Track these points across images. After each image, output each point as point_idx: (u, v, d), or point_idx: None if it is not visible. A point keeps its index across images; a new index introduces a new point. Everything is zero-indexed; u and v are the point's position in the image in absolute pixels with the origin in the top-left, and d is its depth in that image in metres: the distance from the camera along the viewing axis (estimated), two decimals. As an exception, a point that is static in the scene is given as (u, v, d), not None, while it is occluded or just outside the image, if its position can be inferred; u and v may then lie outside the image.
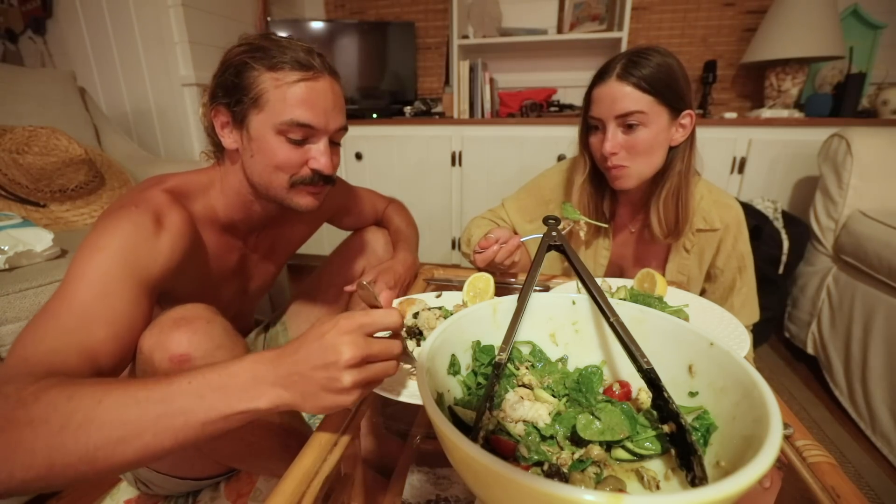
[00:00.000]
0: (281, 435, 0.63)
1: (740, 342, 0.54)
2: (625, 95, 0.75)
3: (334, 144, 0.69)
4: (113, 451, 0.37)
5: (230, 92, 0.63)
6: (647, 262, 0.95)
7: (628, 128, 0.77)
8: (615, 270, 1.00)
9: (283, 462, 0.64)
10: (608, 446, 0.37)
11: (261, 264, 0.85)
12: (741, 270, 0.89)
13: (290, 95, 0.62)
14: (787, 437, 0.41)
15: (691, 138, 0.81)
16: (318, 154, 0.66)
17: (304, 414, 1.04)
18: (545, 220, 0.54)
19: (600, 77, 0.79)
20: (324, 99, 0.65)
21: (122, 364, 0.51)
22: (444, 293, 0.72)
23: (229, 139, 0.66)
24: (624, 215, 0.95)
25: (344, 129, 0.70)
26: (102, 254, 0.50)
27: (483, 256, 0.74)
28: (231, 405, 0.39)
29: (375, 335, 0.42)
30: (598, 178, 0.89)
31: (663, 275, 0.91)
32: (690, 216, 0.84)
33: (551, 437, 0.38)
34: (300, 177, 0.67)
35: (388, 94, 2.24)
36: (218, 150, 0.71)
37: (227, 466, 0.82)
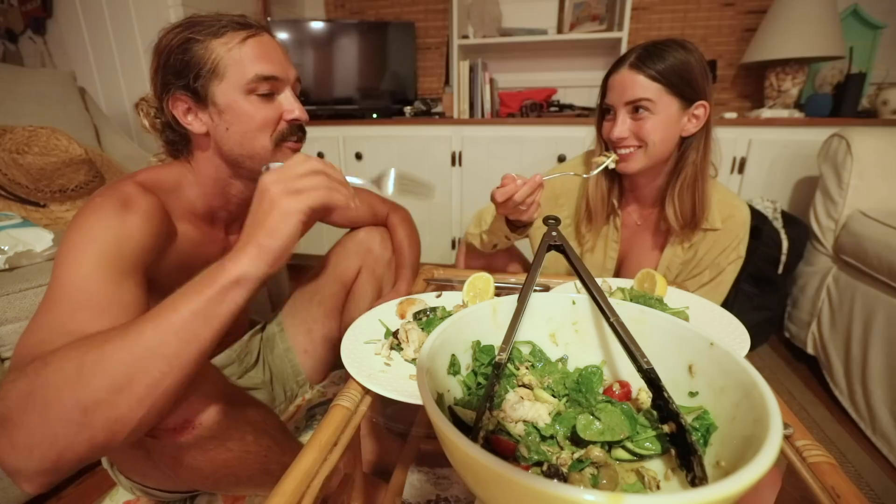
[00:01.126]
0: (260, 457, 0.62)
1: (740, 342, 0.54)
2: (635, 83, 0.78)
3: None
4: (133, 371, 0.40)
5: (182, 73, 0.62)
6: (648, 256, 0.96)
7: (636, 113, 0.79)
8: (619, 264, 1.00)
9: (264, 487, 0.64)
10: (608, 446, 0.37)
11: None
12: (729, 271, 0.89)
13: (244, 54, 0.63)
14: (787, 437, 0.41)
15: (707, 129, 0.82)
16: (289, 104, 0.68)
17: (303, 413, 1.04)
18: (545, 220, 0.54)
19: (616, 66, 0.82)
20: (274, 50, 0.66)
21: None
22: (444, 293, 0.72)
23: (197, 124, 0.65)
24: (631, 209, 0.96)
25: (299, 81, 0.72)
26: (73, 250, 0.52)
27: (504, 190, 0.72)
28: (210, 285, 0.44)
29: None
30: (609, 170, 0.89)
31: (656, 266, 0.92)
32: (707, 207, 0.84)
33: (551, 437, 0.38)
34: (279, 133, 0.68)
35: (388, 94, 2.24)
36: (179, 149, 0.71)
37: None
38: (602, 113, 0.87)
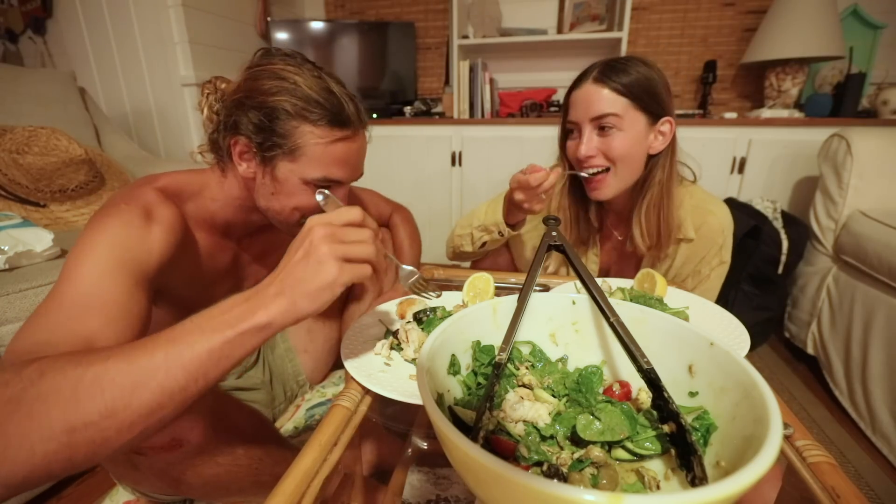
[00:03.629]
0: (251, 470, 0.61)
1: (740, 342, 0.54)
2: (601, 98, 0.75)
3: None
4: (130, 399, 0.37)
5: (260, 132, 0.61)
6: (628, 271, 0.95)
7: (602, 131, 0.77)
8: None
9: (257, 496, 0.63)
10: (608, 446, 0.37)
11: (255, 266, 0.85)
12: (714, 277, 0.88)
13: (327, 154, 0.63)
14: (787, 437, 0.41)
15: (672, 147, 0.80)
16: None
17: (295, 423, 1.04)
18: (545, 220, 0.54)
19: (578, 82, 0.80)
20: (356, 157, 0.67)
21: None
22: (444, 293, 0.72)
23: (246, 167, 0.65)
24: (611, 225, 0.95)
25: (361, 175, 0.73)
26: (91, 252, 0.50)
27: (538, 176, 0.72)
28: (232, 328, 0.41)
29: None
30: (579, 187, 0.88)
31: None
32: (673, 228, 0.82)
33: (551, 437, 0.38)
34: (311, 215, 0.69)
35: (388, 94, 2.24)
36: (219, 156, 0.70)
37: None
38: (565, 132, 0.84)
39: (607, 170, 0.80)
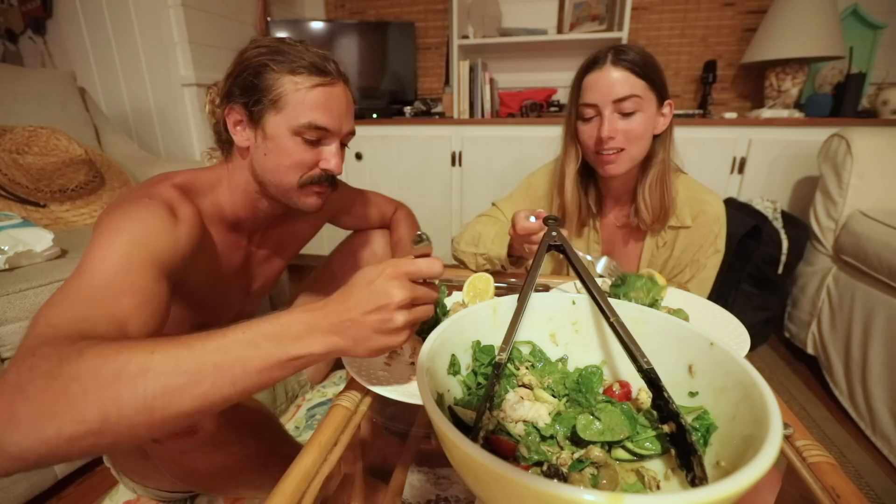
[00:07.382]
0: (259, 459, 0.62)
1: (740, 342, 0.54)
2: (623, 79, 0.77)
3: (341, 146, 0.73)
4: (171, 400, 0.36)
5: (248, 92, 0.65)
6: (628, 255, 0.96)
7: (624, 113, 0.79)
8: None
9: (263, 489, 0.64)
10: (608, 446, 0.37)
11: (264, 264, 0.85)
12: (709, 266, 0.89)
13: (308, 99, 0.65)
14: (787, 437, 0.41)
15: (670, 128, 0.84)
16: (329, 156, 0.70)
17: (297, 424, 1.04)
18: (545, 220, 0.54)
19: (593, 64, 0.80)
20: (338, 104, 0.68)
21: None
22: (444, 293, 0.72)
23: (242, 136, 0.68)
24: (609, 210, 0.97)
25: (352, 133, 0.73)
26: (122, 237, 0.50)
27: (525, 226, 0.71)
28: (287, 352, 0.40)
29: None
30: (584, 171, 0.90)
31: (638, 264, 0.93)
32: (674, 202, 0.86)
33: (551, 437, 0.38)
34: (309, 177, 0.70)
35: (388, 94, 2.23)
36: (224, 149, 0.72)
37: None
38: (575, 116, 0.85)
39: (622, 149, 0.81)
